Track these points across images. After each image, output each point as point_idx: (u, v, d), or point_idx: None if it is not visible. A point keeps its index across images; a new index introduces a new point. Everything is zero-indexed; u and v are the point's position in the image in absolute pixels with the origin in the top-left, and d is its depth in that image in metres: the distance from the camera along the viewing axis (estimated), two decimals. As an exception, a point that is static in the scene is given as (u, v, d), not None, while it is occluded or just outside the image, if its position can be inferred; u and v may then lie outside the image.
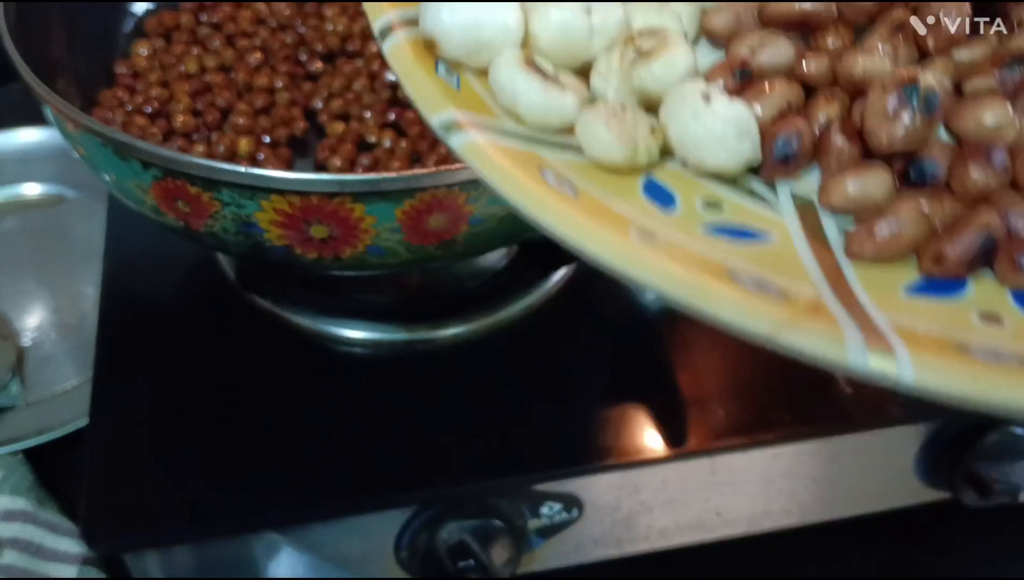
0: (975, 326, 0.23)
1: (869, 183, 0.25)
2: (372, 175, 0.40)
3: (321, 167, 0.58)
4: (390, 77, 0.62)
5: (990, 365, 0.21)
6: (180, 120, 0.57)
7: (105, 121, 0.54)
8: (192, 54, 0.61)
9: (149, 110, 0.56)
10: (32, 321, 0.68)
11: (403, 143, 0.59)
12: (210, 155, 0.56)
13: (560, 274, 0.60)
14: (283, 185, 0.40)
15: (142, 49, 0.60)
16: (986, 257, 0.24)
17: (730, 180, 0.27)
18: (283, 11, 0.65)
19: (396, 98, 0.62)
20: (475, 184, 0.42)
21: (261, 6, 0.65)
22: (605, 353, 0.58)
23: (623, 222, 0.24)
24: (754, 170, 0.27)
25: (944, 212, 0.25)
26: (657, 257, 0.23)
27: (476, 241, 0.46)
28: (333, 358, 0.57)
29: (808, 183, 0.27)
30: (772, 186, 0.27)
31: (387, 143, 0.59)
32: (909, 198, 0.25)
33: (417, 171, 0.41)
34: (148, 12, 0.64)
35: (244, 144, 0.57)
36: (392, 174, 0.41)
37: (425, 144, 0.59)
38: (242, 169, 0.40)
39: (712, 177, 0.27)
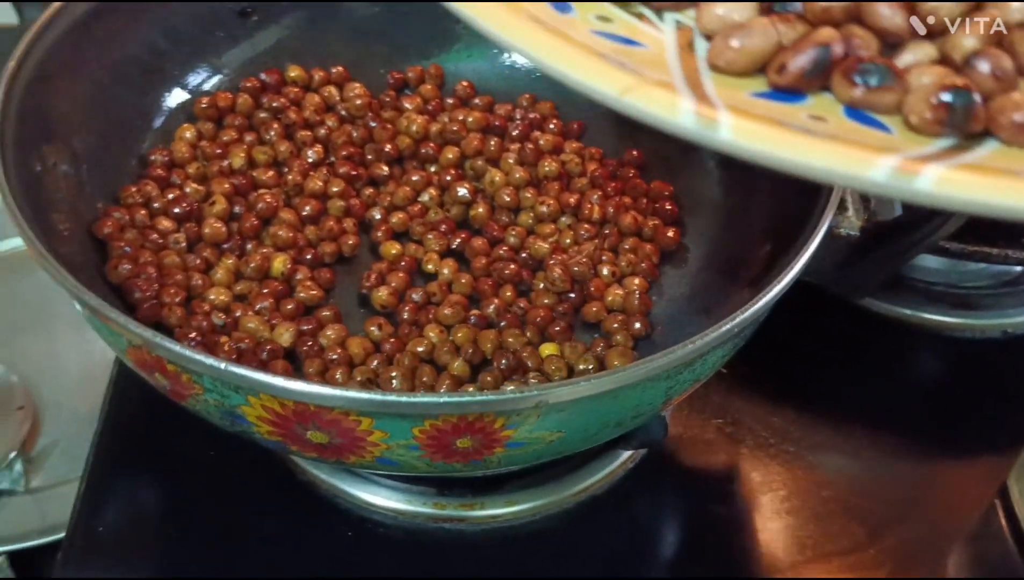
0: (801, 118, 0.26)
1: (735, 8, 0.29)
2: (380, 395, 0.31)
3: (365, 296, 0.50)
4: (462, 191, 0.53)
5: (801, 133, 0.25)
6: (210, 228, 0.49)
7: (119, 227, 0.47)
8: (242, 145, 0.54)
9: (178, 211, 0.49)
10: (50, 394, 0.62)
11: (464, 278, 0.50)
12: (237, 273, 0.48)
13: (628, 454, 0.50)
14: (268, 390, 0.32)
15: (187, 133, 0.53)
16: (823, 73, 0.27)
17: (624, 5, 0.30)
18: (355, 99, 0.57)
19: (467, 219, 0.54)
20: (517, 411, 0.32)
21: (333, 91, 0.57)
22: (671, 550, 0.48)
23: (518, 8, 0.27)
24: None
25: (794, 33, 0.28)
26: (536, 31, 0.26)
27: (515, 461, 0.37)
28: (346, 521, 0.48)
29: (691, 14, 0.30)
30: (660, 14, 0.31)
31: (445, 272, 0.51)
32: (764, 18, 0.28)
33: (439, 396, 0.32)
34: (202, 91, 0.56)
35: (278, 263, 0.49)
36: (404, 396, 0.32)
37: (488, 284, 0.50)
38: (221, 365, 0.32)
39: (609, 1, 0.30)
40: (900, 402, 0.56)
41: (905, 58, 0.28)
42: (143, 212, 0.48)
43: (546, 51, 0.26)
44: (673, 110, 0.25)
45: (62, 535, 0.54)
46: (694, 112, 0.25)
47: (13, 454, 0.58)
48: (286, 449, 0.36)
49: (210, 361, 0.32)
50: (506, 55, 0.60)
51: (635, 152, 0.56)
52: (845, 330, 0.57)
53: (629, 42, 0.28)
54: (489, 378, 0.45)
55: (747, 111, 0.25)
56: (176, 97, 0.54)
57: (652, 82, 0.25)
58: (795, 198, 0.44)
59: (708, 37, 0.29)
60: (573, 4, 0.30)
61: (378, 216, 0.53)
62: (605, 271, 0.50)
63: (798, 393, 0.55)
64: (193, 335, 0.44)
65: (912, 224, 0.39)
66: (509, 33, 0.26)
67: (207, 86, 0.55)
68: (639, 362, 0.34)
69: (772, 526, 0.50)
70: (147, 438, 0.51)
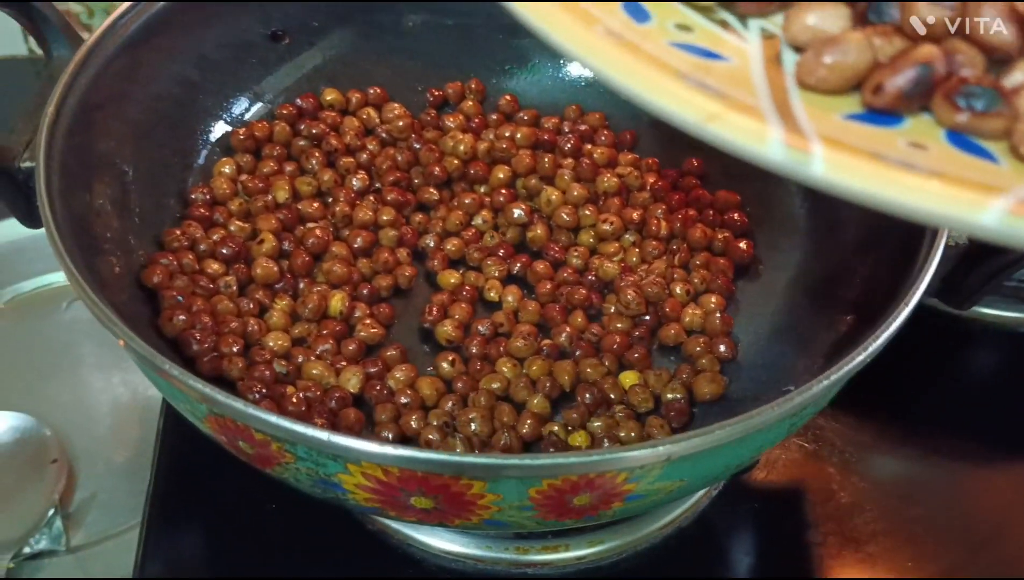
0: (899, 147, 0.24)
1: (827, 17, 0.26)
2: (503, 459, 0.28)
3: (428, 330, 0.47)
4: (518, 212, 0.51)
5: (900, 168, 0.22)
6: (261, 268, 0.46)
7: (168, 274, 0.44)
8: (283, 175, 0.50)
9: (226, 252, 0.46)
10: (82, 444, 0.59)
11: (530, 306, 0.47)
12: (293, 314, 0.45)
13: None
14: (378, 459, 0.29)
15: (225, 168, 0.50)
16: (923, 93, 0.25)
17: (706, 9, 0.28)
18: (396, 121, 0.54)
19: (524, 242, 0.51)
20: (641, 465, 0.30)
21: (372, 113, 0.54)
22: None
23: (592, 19, 0.25)
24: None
25: (892, 48, 0.26)
26: (611, 47, 0.24)
27: (631, 512, 0.34)
28: (421, 572, 0.45)
29: (776, 20, 0.28)
30: (744, 20, 0.28)
31: (510, 300, 0.48)
32: (858, 31, 0.26)
33: (565, 456, 0.29)
34: (240, 122, 0.53)
35: (336, 302, 0.46)
36: (527, 459, 0.29)
37: (557, 310, 0.47)
38: (324, 437, 0.29)
39: (690, 5, 0.28)
40: (992, 412, 0.53)
41: (1016, 77, 0.25)
42: (190, 256, 0.45)
43: (623, 72, 0.24)
44: (761, 140, 0.23)
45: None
46: (784, 143, 0.23)
47: (52, 511, 0.54)
48: (383, 514, 0.33)
49: (312, 432, 0.29)
50: (549, 65, 0.57)
51: (695, 161, 0.53)
52: (933, 337, 0.55)
53: (711, 55, 0.26)
54: (575, 415, 0.42)
55: (841, 140, 0.23)
56: (215, 130, 0.51)
57: (737, 107, 0.23)
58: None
59: (797, 49, 0.27)
60: (651, 9, 0.28)
61: (432, 243, 0.50)
62: (679, 289, 0.48)
63: (883, 406, 0.52)
64: (257, 387, 0.41)
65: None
66: (583, 50, 0.24)
67: (246, 116, 0.52)
68: (773, 405, 0.31)
69: (869, 549, 0.47)
70: (204, 489, 0.48)
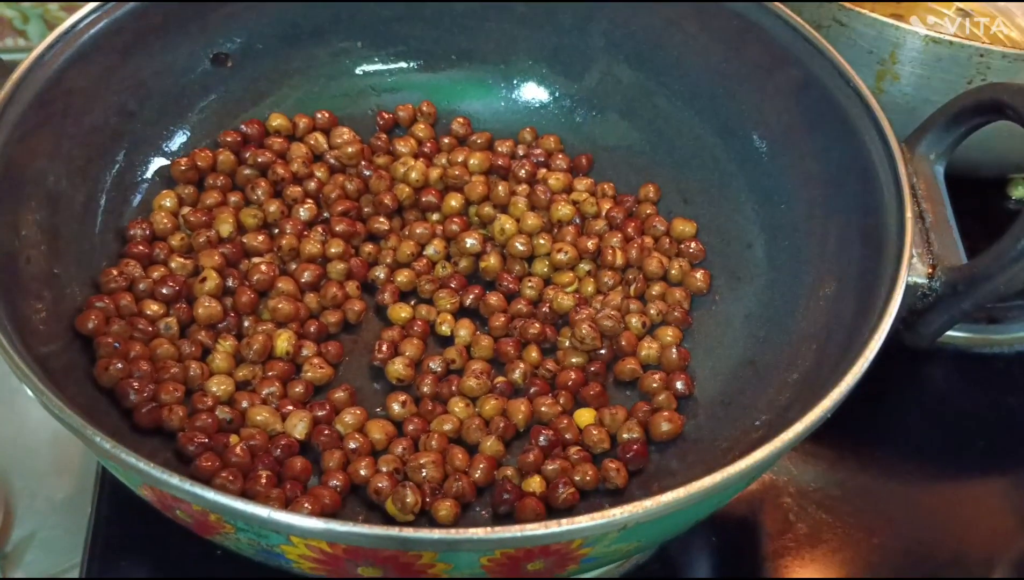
0: None
1: None
2: (452, 535, 0.27)
3: (378, 368, 0.45)
4: (471, 241, 0.49)
5: None
6: (203, 308, 0.44)
7: (103, 318, 0.42)
8: (227, 207, 0.49)
9: (166, 292, 0.44)
10: (21, 481, 0.56)
11: (483, 341, 0.46)
12: (236, 355, 0.44)
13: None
14: (323, 536, 0.28)
15: (166, 201, 0.48)
16: None
17: None
18: (347, 146, 0.52)
19: (477, 272, 0.49)
20: (602, 533, 0.29)
21: (320, 138, 0.53)
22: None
23: None
24: None
25: None
26: None
27: (585, 572, 0.33)
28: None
29: None
30: None
31: (463, 334, 0.47)
32: None
33: (520, 530, 0.28)
34: (179, 153, 0.51)
35: (282, 341, 0.44)
36: (481, 533, 0.27)
37: (511, 345, 0.46)
38: (264, 514, 0.27)
39: None
40: (952, 434, 0.53)
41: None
42: (128, 297, 0.43)
43: None
44: None
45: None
46: None
47: (-10, 552, 0.52)
48: (328, 581, 0.32)
49: (251, 509, 0.27)
50: (503, 87, 0.56)
51: (651, 186, 0.52)
52: (889, 359, 0.54)
53: None
54: (531, 458, 0.41)
55: None
56: (155, 162, 0.49)
57: None
58: (856, 235, 0.41)
59: None
60: None
61: (382, 275, 0.49)
62: (635, 321, 0.47)
63: (839, 432, 0.52)
64: (199, 439, 0.39)
65: (986, 275, 0.36)
66: None
67: (186, 146, 0.50)
68: (746, 460, 0.30)
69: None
70: (149, 527, 0.46)
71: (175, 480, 0.28)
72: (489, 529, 0.27)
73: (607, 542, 0.30)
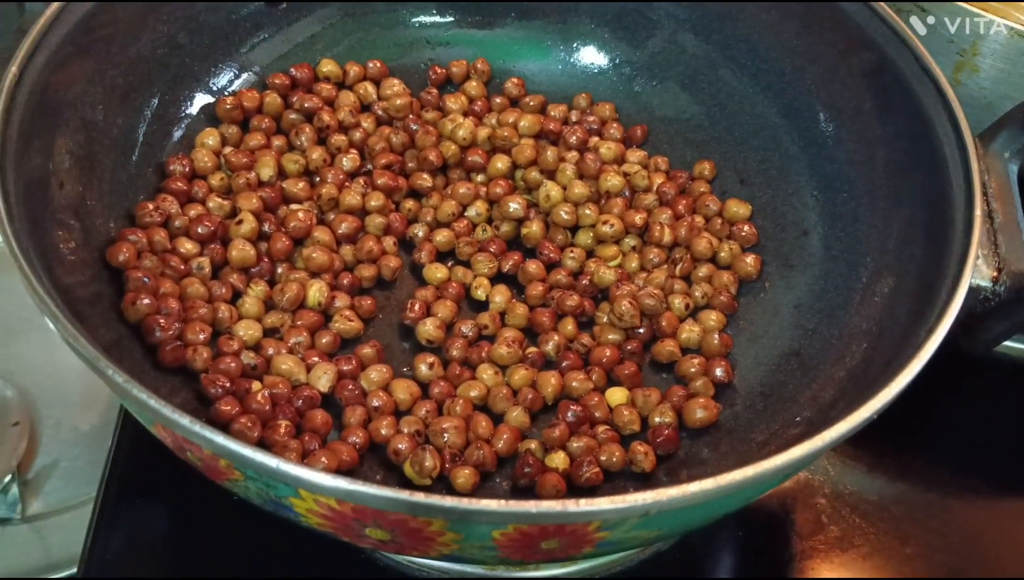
0: None
1: None
2: (464, 503, 0.26)
3: (409, 327, 0.44)
4: (514, 206, 0.48)
5: None
6: (238, 251, 0.43)
7: (135, 252, 0.41)
8: (270, 152, 0.48)
9: (201, 231, 0.43)
10: (48, 409, 0.56)
11: (519, 309, 0.45)
12: (267, 301, 0.43)
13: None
14: (331, 493, 0.27)
15: (209, 139, 0.47)
16: None
17: None
18: (396, 98, 0.51)
19: (518, 238, 0.48)
20: (620, 518, 0.27)
21: (369, 88, 0.51)
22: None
23: None
24: None
25: None
26: None
27: (602, 555, 0.32)
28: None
29: None
30: None
31: (498, 300, 0.45)
32: None
33: (534, 506, 0.27)
34: (226, 92, 0.50)
35: (314, 292, 0.43)
36: (495, 505, 0.26)
37: (546, 316, 0.44)
38: (273, 464, 0.26)
39: None
40: (993, 447, 0.51)
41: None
42: (162, 233, 0.43)
43: None
44: None
45: (66, 573, 0.49)
46: None
47: (8, 477, 0.52)
48: (337, 540, 0.31)
49: (260, 458, 0.26)
50: (561, 49, 0.54)
51: (707, 163, 0.50)
52: (936, 367, 0.52)
53: None
54: (556, 433, 0.40)
55: None
56: (199, 99, 0.48)
57: None
58: (920, 230, 0.39)
59: None
60: None
61: (420, 234, 0.47)
62: (678, 302, 0.45)
63: (880, 436, 0.50)
64: (221, 382, 0.38)
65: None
66: None
67: (233, 86, 0.49)
68: (782, 456, 0.29)
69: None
70: (167, 463, 0.46)
71: (185, 421, 0.27)
72: (504, 502, 0.26)
73: (627, 527, 0.29)
